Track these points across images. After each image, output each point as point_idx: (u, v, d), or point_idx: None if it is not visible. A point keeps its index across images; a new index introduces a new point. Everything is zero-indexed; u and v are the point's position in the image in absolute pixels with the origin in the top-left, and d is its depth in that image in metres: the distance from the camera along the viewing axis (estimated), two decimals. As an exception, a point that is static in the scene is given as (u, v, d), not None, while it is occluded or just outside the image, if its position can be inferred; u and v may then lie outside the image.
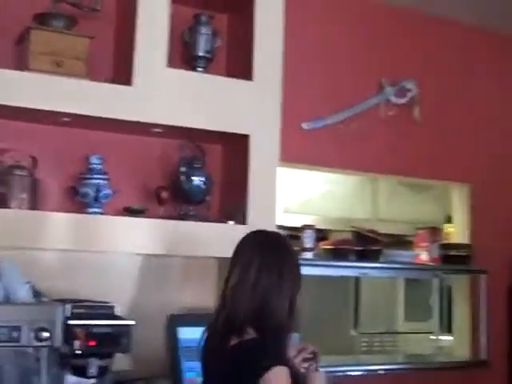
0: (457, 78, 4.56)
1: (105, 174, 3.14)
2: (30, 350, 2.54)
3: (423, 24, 4.45)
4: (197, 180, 3.30)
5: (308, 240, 3.70)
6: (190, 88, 3.22)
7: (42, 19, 3.01)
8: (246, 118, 3.32)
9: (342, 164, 4.08)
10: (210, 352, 2.29)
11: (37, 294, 2.74)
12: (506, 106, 4.76)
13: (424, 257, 4.34)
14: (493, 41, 4.73)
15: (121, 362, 2.89)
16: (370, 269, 3.96)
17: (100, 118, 3.02)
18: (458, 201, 4.67)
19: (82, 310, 2.70)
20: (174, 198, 3.33)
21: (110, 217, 3.09)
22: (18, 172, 2.95)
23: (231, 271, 2.30)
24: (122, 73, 3.17)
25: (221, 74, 3.38)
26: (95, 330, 2.65)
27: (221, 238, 3.19)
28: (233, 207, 3.32)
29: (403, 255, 4.24)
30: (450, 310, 4.82)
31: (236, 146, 3.40)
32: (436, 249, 4.35)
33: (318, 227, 4.83)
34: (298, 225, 3.91)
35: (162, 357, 3.13)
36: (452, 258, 4.38)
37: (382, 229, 4.91)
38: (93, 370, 2.66)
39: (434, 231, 4.36)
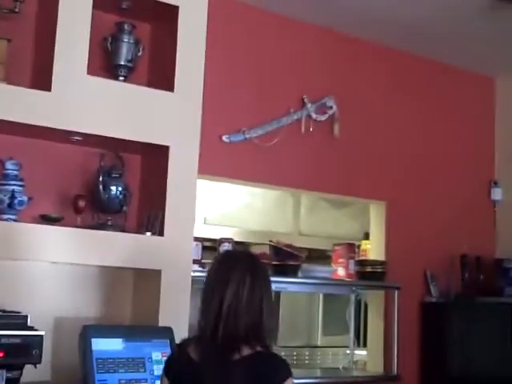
0: (375, 98, 4.68)
1: (21, 180, 3.07)
2: None
3: (345, 44, 4.55)
4: (115, 190, 3.27)
5: (226, 253, 3.68)
6: (110, 97, 3.19)
7: (-42, 20, 2.93)
8: (166, 129, 3.31)
9: (261, 178, 4.11)
10: (208, 367, 2.29)
11: None
12: (420, 127, 4.91)
13: (341, 272, 4.41)
14: (413, 63, 4.88)
15: (37, 372, 2.80)
16: (288, 284, 3.98)
17: (18, 123, 2.96)
18: (375, 218, 4.76)
19: (-10, 320, 2.62)
20: (92, 207, 3.29)
21: (25, 224, 3.01)
22: None
23: (223, 289, 2.31)
24: (41, 78, 3.11)
25: (142, 84, 3.37)
26: (3, 340, 2.58)
27: (137, 249, 3.17)
28: (150, 218, 3.29)
29: (321, 271, 4.30)
30: (365, 324, 4.91)
31: (156, 156, 3.39)
32: (352, 265, 4.42)
33: (237, 240, 4.87)
34: (217, 237, 3.90)
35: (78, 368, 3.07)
36: (368, 274, 4.46)
37: (303, 243, 4.98)
38: (2, 383, 2.58)
39: (351, 247, 4.44)
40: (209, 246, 3.96)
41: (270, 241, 4.03)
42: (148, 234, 3.24)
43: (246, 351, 2.24)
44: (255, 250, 4.27)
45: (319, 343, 5.64)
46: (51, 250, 2.99)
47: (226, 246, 3.70)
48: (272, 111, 4.13)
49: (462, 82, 5.16)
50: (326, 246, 5.10)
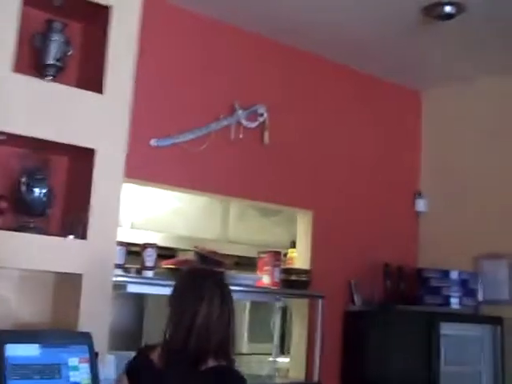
0: (306, 107, 4.73)
1: None
2: None
3: (278, 52, 4.59)
4: (38, 191, 3.20)
5: (149, 258, 3.66)
6: (36, 96, 3.12)
7: None
8: (93, 132, 3.26)
9: (189, 184, 4.09)
10: (173, 375, 2.46)
11: None
12: (348, 138, 4.99)
13: (266, 280, 4.41)
14: (343, 74, 4.96)
15: None
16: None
17: None
18: (302, 226, 4.80)
19: None
20: (15, 209, 3.21)
21: None
22: None
23: (196, 305, 2.48)
24: (-36, 74, 3.02)
25: (71, 85, 3.30)
26: None
27: (59, 252, 3.12)
28: (74, 221, 3.24)
29: (245, 278, 4.29)
30: (290, 332, 4.94)
31: (82, 159, 3.33)
32: (278, 273, 4.44)
33: (165, 245, 4.84)
34: (141, 242, 3.86)
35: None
36: (292, 283, 4.49)
37: (231, 250, 4.98)
38: None
39: (276, 255, 4.45)
40: (136, 251, 3.91)
41: (195, 247, 4.01)
42: (71, 237, 3.19)
43: (211, 363, 2.44)
44: (181, 257, 4.27)
45: (245, 350, 5.65)
46: (-30, 252, 2.91)
47: (149, 252, 3.67)
48: (202, 117, 4.12)
49: (390, 95, 5.27)
50: (254, 253, 5.08)
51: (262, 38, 4.46)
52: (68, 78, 3.37)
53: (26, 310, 3.22)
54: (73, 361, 2.91)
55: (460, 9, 3.95)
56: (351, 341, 4.75)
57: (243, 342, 5.72)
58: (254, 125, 4.32)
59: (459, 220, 5.12)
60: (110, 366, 3.42)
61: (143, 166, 3.83)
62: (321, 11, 4.09)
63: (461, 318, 4.71)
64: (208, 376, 2.44)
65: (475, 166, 5.12)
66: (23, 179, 3.17)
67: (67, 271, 3.18)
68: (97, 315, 3.18)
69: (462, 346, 4.63)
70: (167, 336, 2.50)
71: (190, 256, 4.06)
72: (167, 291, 3.88)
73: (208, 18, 4.22)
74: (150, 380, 2.49)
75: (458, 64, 4.85)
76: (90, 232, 3.21)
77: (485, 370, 4.72)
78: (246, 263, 5.15)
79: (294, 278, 4.49)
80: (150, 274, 3.68)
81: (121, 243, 3.53)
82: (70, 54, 3.35)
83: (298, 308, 4.76)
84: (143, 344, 5.04)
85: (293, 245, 4.87)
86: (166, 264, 3.87)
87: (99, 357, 3.06)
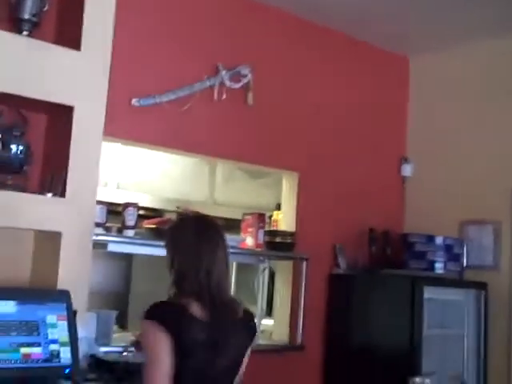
0: (291, 69, 4.68)
1: None
2: None
3: (263, 13, 4.52)
4: (15, 148, 3.16)
5: (130, 218, 3.64)
6: (11, 51, 3.07)
7: None
8: (71, 89, 3.21)
9: (171, 143, 4.05)
10: (221, 326, 2.43)
11: None
12: (334, 100, 4.94)
13: (250, 242, 4.40)
14: (330, 37, 4.90)
15: None
16: (194, 250, 3.94)
17: None
18: (287, 188, 4.78)
19: None
20: (-10, 166, 3.17)
21: None
22: None
23: (211, 255, 2.46)
24: None
25: (48, 41, 3.24)
26: None
27: (37, 210, 3.09)
28: (53, 179, 3.21)
29: (229, 239, 4.25)
30: (273, 294, 4.95)
31: (60, 117, 3.29)
32: (262, 235, 4.43)
33: (151, 207, 4.82)
34: (118, 201, 3.83)
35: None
36: (277, 245, 4.49)
37: (218, 213, 4.95)
38: None
39: (260, 217, 4.43)
40: (119, 211, 3.88)
41: (177, 207, 3.99)
42: (49, 195, 3.16)
43: (240, 311, 2.51)
44: (164, 218, 4.24)
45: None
46: None
47: (130, 211, 3.64)
48: (185, 77, 4.06)
49: (377, 59, 5.23)
50: (241, 215, 5.10)
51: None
52: (45, 34, 3.30)
53: (5, 268, 3.19)
54: (51, 318, 2.90)
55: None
56: (335, 304, 4.76)
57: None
58: (237, 85, 4.27)
59: (445, 185, 5.12)
60: (91, 324, 3.42)
61: (125, 126, 3.78)
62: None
63: (445, 282, 4.72)
64: (248, 322, 2.55)
65: (462, 131, 5.10)
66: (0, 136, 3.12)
67: (46, 229, 3.16)
68: (76, 274, 3.16)
69: (445, 311, 4.64)
70: (196, 285, 2.42)
71: (171, 216, 4.04)
72: (148, 251, 3.93)
73: (191, -23, 4.16)
74: (201, 334, 2.37)
75: (445, 27, 4.80)
76: (69, 190, 3.19)
77: (468, 334, 4.74)
78: (233, 226, 5.14)
79: (278, 240, 4.49)
80: (130, 233, 3.66)
81: (101, 202, 3.51)
82: (46, 9, 3.28)
83: (282, 270, 4.76)
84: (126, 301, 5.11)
85: (278, 207, 4.85)
86: (148, 224, 3.84)
87: (79, 315, 3.05)
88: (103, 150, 4.06)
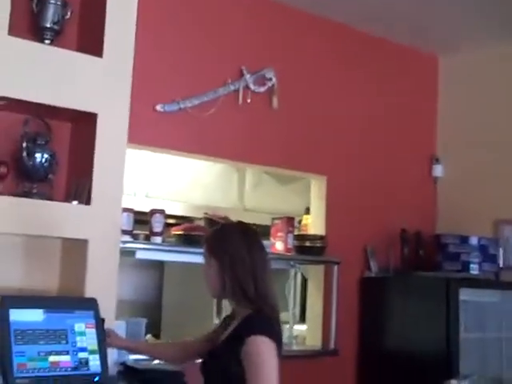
0: (316, 71, 4.63)
1: None
2: None
3: (286, 15, 4.48)
4: (40, 157, 3.15)
5: (157, 224, 3.61)
6: (34, 60, 3.06)
7: None
8: (94, 96, 3.20)
9: (196, 149, 4.02)
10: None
11: None
12: (362, 101, 4.87)
13: (279, 247, 4.35)
14: (356, 38, 4.84)
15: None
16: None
17: None
18: (316, 192, 4.73)
19: None
20: (17, 175, 3.18)
21: None
22: None
23: (264, 263, 2.49)
24: (-40, 38, 2.98)
25: (70, 49, 3.24)
26: None
27: (63, 218, 3.08)
28: (78, 187, 3.20)
29: (260, 245, 4.22)
30: (305, 300, 4.89)
31: (84, 124, 3.28)
32: (291, 239, 4.37)
33: (182, 214, 4.81)
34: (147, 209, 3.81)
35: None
36: (307, 249, 4.43)
37: (248, 219, 4.90)
38: None
39: (290, 221, 4.38)
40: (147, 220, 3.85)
41: (205, 213, 3.95)
42: (74, 203, 3.15)
43: None
44: (192, 224, 4.21)
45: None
46: (-28, 218, 2.88)
47: (157, 218, 3.62)
48: (208, 81, 4.04)
49: (406, 59, 5.15)
50: (270, 221, 5.05)
51: (269, 2, 4.36)
52: (67, 41, 3.30)
53: (32, 277, 3.19)
54: (79, 326, 2.88)
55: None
56: (368, 308, 4.69)
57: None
58: (262, 89, 4.24)
59: (478, 185, 5.02)
60: (120, 332, 3.40)
61: (149, 132, 3.77)
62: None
63: (481, 283, 4.61)
64: None
65: (493, 130, 5.00)
66: (24, 145, 3.12)
67: (72, 237, 3.15)
68: (104, 281, 3.14)
69: (482, 313, 4.53)
70: (257, 295, 2.41)
71: (199, 222, 4.01)
72: (176, 257, 3.91)
73: (214, -19, 4.14)
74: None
75: (476, 26, 4.71)
76: (95, 198, 3.17)
77: (505, 337, 4.61)
78: (263, 232, 5.10)
79: (308, 244, 4.43)
80: (158, 240, 3.64)
81: (127, 209, 3.49)
82: (67, 17, 3.28)
83: (313, 275, 4.70)
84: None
85: (307, 211, 4.79)
86: (176, 230, 3.81)
87: (108, 323, 3.03)
88: (131, 159, 4.09)
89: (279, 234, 4.37)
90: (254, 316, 2.38)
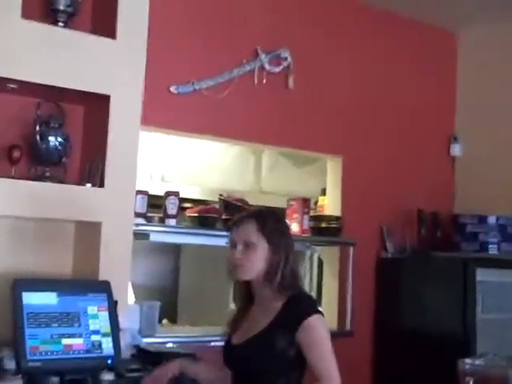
0: (331, 49, 4.56)
1: (-48, 129, 2.95)
2: None
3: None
4: (53, 140, 3.16)
5: (171, 206, 3.60)
6: (47, 43, 3.07)
7: None
8: (108, 78, 3.20)
9: (211, 130, 3.99)
10: None
11: None
12: (378, 81, 4.81)
13: (295, 228, 4.33)
14: (372, 16, 4.76)
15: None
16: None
17: None
18: (331, 173, 4.69)
19: None
20: (30, 159, 3.19)
21: (-44, 175, 2.91)
22: None
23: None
24: (-28, 22, 2.97)
25: (83, 30, 3.23)
26: None
27: (76, 201, 3.09)
28: (91, 169, 3.20)
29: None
30: (321, 281, 4.88)
31: (97, 106, 3.28)
32: (307, 220, 4.36)
33: (199, 198, 4.80)
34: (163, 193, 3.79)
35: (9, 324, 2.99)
36: (322, 230, 4.40)
37: (264, 201, 4.90)
38: None
39: (305, 203, 4.36)
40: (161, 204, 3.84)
41: (220, 195, 3.94)
42: (88, 185, 3.15)
43: None
44: (206, 206, 4.20)
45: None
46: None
47: (172, 199, 3.61)
48: (223, 62, 4.00)
49: (424, 36, 5.06)
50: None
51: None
52: (81, 24, 3.29)
53: (46, 260, 3.21)
54: (92, 309, 2.90)
55: None
56: (384, 289, 4.67)
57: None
58: (277, 69, 4.19)
59: (496, 164, 4.95)
60: (134, 315, 3.42)
61: (163, 114, 3.75)
62: None
63: (499, 263, 4.56)
64: None
65: (512, 108, 4.93)
66: (37, 128, 3.13)
67: (85, 220, 3.16)
68: (117, 264, 3.16)
69: (500, 293, 4.49)
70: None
71: (213, 204, 4.00)
72: (191, 240, 3.91)
73: (228, -39, 4.08)
74: None
75: (494, 1, 4.61)
76: (108, 180, 3.18)
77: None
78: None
79: (324, 225, 4.40)
80: (172, 222, 3.63)
81: (141, 192, 3.49)
82: (80, -1, 3.27)
83: (330, 256, 4.67)
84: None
85: (323, 192, 4.76)
86: (190, 212, 3.81)
87: (122, 306, 3.05)
88: (147, 142, 4.08)
89: (295, 215, 4.35)
90: (301, 299, 2.39)
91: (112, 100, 3.20)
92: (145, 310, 3.48)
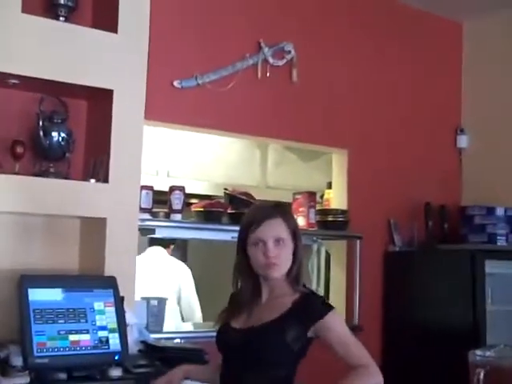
0: (335, 41, 4.53)
1: (-46, 126, 2.93)
2: None
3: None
4: (57, 136, 3.13)
5: (177, 201, 3.57)
6: (48, 38, 3.04)
7: None
8: (110, 73, 3.17)
9: (215, 124, 3.97)
10: None
11: None
12: (383, 72, 4.77)
13: (301, 222, 4.30)
14: (375, 6, 4.72)
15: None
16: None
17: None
18: (337, 166, 4.67)
19: None
20: (33, 154, 3.16)
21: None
22: None
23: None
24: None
25: (85, 25, 3.20)
26: None
27: (81, 196, 3.07)
28: (96, 165, 3.18)
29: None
30: (329, 275, 4.85)
31: (101, 101, 3.26)
32: (313, 214, 4.32)
33: (205, 193, 4.78)
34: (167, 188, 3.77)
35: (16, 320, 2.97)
36: (329, 224, 4.38)
37: (271, 196, 4.88)
38: None
39: (310, 196, 4.33)
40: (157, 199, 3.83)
41: (225, 189, 3.91)
42: (92, 181, 3.13)
43: None
44: (212, 200, 4.17)
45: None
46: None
47: (177, 195, 3.58)
48: (226, 56, 3.97)
49: (429, 27, 5.03)
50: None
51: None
52: (81, 18, 3.27)
53: (51, 256, 3.18)
54: (98, 305, 2.87)
55: None
56: (392, 282, 4.64)
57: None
58: (281, 63, 4.16)
59: (503, 155, 4.92)
60: (142, 310, 3.40)
61: (167, 108, 3.73)
62: None
63: (508, 255, 4.52)
64: None
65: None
66: (41, 124, 3.10)
67: (90, 215, 3.13)
68: (123, 260, 3.13)
69: (510, 285, 4.45)
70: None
71: (219, 198, 3.97)
72: (197, 234, 3.88)
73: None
74: None
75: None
76: (112, 175, 3.15)
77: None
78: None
79: (330, 218, 4.37)
80: (177, 217, 3.60)
81: (146, 187, 3.46)
82: (81, -8, 3.24)
83: (337, 250, 4.65)
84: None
85: (329, 186, 4.73)
86: (196, 207, 3.78)
87: (128, 301, 3.02)
88: (152, 138, 4.06)
89: (301, 209, 4.32)
90: (314, 296, 2.40)
91: (115, 95, 3.17)
92: (152, 305, 3.45)
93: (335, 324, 2.29)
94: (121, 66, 3.20)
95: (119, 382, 2.77)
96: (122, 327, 2.86)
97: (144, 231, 3.38)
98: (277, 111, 4.21)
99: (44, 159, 3.15)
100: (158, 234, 3.57)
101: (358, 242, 4.42)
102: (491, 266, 4.33)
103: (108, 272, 3.06)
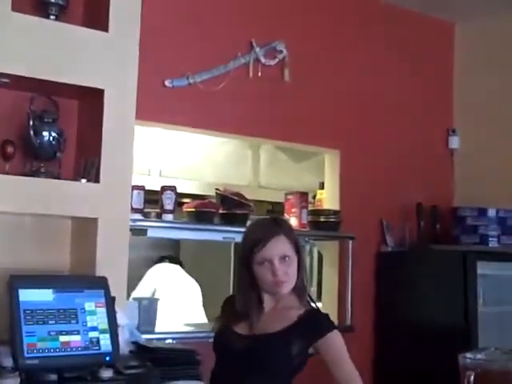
0: (327, 42, 4.52)
1: None
2: None
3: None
4: (47, 135, 3.11)
5: (168, 201, 3.55)
6: (38, 36, 3.02)
7: None
8: (101, 72, 3.15)
9: (207, 124, 3.95)
10: None
11: None
12: (375, 73, 4.76)
13: (294, 222, 4.28)
14: (367, 6, 4.72)
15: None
16: (235, 233, 3.79)
17: None
18: (329, 166, 4.66)
19: None
20: (24, 154, 3.14)
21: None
22: None
23: None
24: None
25: (75, 23, 3.18)
26: None
27: (71, 197, 3.05)
28: (87, 165, 3.16)
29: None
30: (321, 275, 4.84)
31: (91, 101, 3.24)
32: (305, 214, 4.31)
33: (197, 193, 4.77)
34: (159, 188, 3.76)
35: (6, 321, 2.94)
36: (321, 224, 4.36)
37: (263, 196, 4.88)
38: None
39: (302, 197, 4.32)
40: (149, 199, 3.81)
41: (217, 189, 3.90)
42: (83, 181, 3.11)
43: None
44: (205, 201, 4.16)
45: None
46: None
47: (168, 194, 3.56)
48: (218, 55, 3.96)
49: (421, 27, 5.02)
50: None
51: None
52: (72, 17, 3.24)
53: (42, 257, 3.16)
54: (89, 305, 2.84)
55: None
56: (384, 283, 4.62)
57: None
58: (273, 62, 4.15)
59: (495, 156, 4.91)
60: (133, 311, 3.38)
61: (158, 108, 3.71)
62: None
63: (500, 256, 4.52)
64: None
65: (511, 100, 4.87)
66: (31, 123, 3.08)
67: (81, 216, 3.11)
68: (114, 260, 3.12)
69: (501, 286, 4.45)
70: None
71: (212, 198, 3.95)
72: (189, 235, 3.86)
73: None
74: None
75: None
76: (104, 175, 3.13)
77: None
78: (278, 209, 5.06)
79: (322, 219, 4.36)
80: (169, 217, 3.58)
81: (138, 187, 3.45)
82: (72, -9, 3.22)
83: (329, 251, 4.64)
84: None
85: (322, 186, 4.72)
86: (188, 207, 3.76)
87: (120, 302, 3.00)
88: (144, 138, 4.04)
89: (293, 209, 4.31)
90: (319, 313, 2.46)
91: (106, 94, 3.15)
92: (143, 305, 3.43)
93: (335, 343, 2.39)
94: (112, 65, 3.18)
95: (110, 383, 2.74)
96: (113, 328, 2.83)
97: (136, 231, 3.36)
98: (269, 111, 4.20)
99: (35, 159, 3.13)
100: (150, 234, 3.54)
101: (351, 242, 4.41)
102: (483, 267, 4.33)
103: (99, 272, 3.04)
